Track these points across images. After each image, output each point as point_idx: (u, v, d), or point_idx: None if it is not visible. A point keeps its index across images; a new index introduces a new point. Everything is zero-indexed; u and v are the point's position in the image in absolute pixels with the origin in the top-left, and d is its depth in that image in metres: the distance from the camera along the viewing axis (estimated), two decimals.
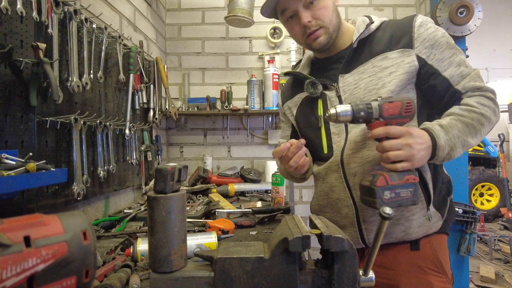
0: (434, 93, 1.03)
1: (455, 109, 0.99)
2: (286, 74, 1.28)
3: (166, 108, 2.47)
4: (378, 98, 0.90)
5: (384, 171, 0.89)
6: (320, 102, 1.14)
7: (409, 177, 0.89)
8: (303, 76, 1.16)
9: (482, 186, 5.58)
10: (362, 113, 0.89)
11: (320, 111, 1.14)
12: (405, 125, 0.92)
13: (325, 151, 1.13)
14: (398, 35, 1.05)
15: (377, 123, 0.90)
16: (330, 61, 1.15)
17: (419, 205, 1.01)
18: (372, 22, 1.10)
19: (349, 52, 1.09)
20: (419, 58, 1.02)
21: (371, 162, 1.04)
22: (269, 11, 1.12)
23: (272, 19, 2.83)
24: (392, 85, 1.01)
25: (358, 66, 1.08)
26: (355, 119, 0.90)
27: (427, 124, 0.96)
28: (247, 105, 2.70)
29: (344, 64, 1.10)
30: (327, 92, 1.13)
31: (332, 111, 0.90)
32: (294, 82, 1.26)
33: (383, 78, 1.03)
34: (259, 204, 1.86)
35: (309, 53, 1.25)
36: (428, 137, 0.92)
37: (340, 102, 1.08)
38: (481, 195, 5.61)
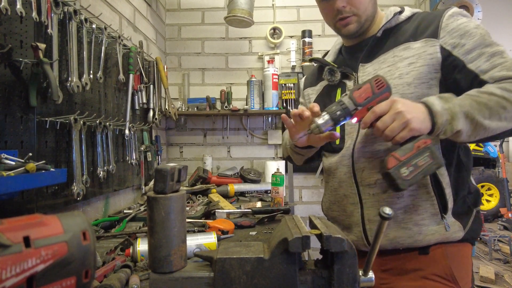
0: (458, 90, 0.91)
1: (469, 91, 0.88)
2: (311, 60, 1.23)
3: (166, 109, 2.47)
4: (348, 92, 0.90)
5: (393, 151, 0.85)
6: (339, 91, 1.11)
7: (418, 143, 0.84)
8: (327, 63, 1.13)
9: (482, 186, 5.58)
10: (338, 113, 0.89)
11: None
12: None
13: (337, 141, 1.09)
14: (425, 25, 0.98)
15: (359, 113, 0.89)
16: (354, 49, 1.11)
17: (431, 210, 0.94)
18: (401, 12, 1.04)
19: (371, 41, 1.05)
20: (443, 50, 0.94)
21: (381, 157, 0.97)
22: None
23: (272, 19, 2.85)
24: (410, 77, 0.95)
25: (380, 55, 1.03)
26: (337, 122, 0.90)
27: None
28: (246, 105, 2.70)
29: (366, 53, 1.06)
30: (346, 81, 1.10)
31: (313, 125, 0.90)
32: (319, 69, 1.22)
33: (401, 68, 0.97)
34: (258, 204, 1.86)
35: (338, 41, 1.21)
36: (420, 104, 0.86)
37: None
38: (481, 195, 5.61)
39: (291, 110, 2.75)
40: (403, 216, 0.96)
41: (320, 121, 0.89)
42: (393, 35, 1.03)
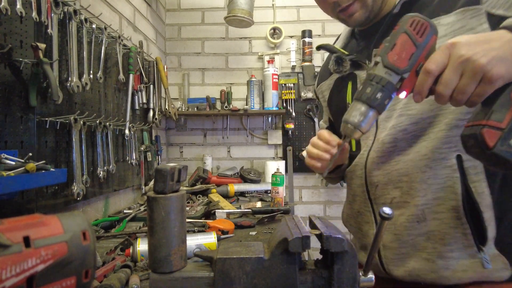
0: None
1: None
2: (318, 48, 0.98)
3: (166, 109, 2.47)
4: (378, 59, 0.61)
5: (479, 118, 0.55)
6: (349, 86, 0.91)
7: None
8: (335, 50, 0.92)
9: None
10: (379, 95, 0.59)
11: (349, 97, 0.92)
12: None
13: (353, 148, 0.92)
14: None
15: (407, 82, 0.60)
16: (369, 31, 0.90)
17: (462, 240, 0.72)
18: None
19: (387, 20, 0.83)
20: (491, 18, 0.68)
21: (399, 170, 0.78)
22: None
23: (272, 19, 2.85)
24: None
25: None
26: (381, 109, 0.61)
27: None
28: (246, 105, 2.70)
29: (380, 36, 0.83)
30: (358, 72, 0.89)
31: (348, 128, 0.62)
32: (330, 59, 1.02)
33: None
34: (258, 204, 1.86)
35: None
36: (499, 32, 0.57)
37: None
38: None
39: (291, 111, 2.77)
40: (425, 244, 0.76)
41: (355, 117, 0.61)
42: (415, 10, 0.80)
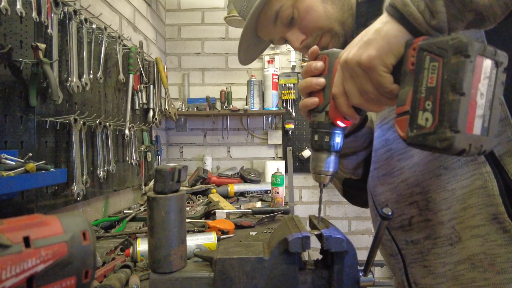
0: None
1: None
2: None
3: (166, 109, 2.47)
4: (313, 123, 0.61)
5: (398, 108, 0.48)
6: None
7: (408, 62, 0.46)
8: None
9: None
10: (316, 137, 0.60)
11: None
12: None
13: None
14: None
15: (333, 113, 0.58)
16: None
17: None
18: None
19: (359, 7, 0.71)
20: None
21: (406, 181, 0.62)
22: (252, 55, 0.89)
23: None
24: None
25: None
26: (327, 147, 0.60)
27: None
28: (246, 105, 2.70)
29: (360, 24, 0.69)
30: None
31: (317, 176, 0.61)
32: None
33: None
34: (258, 204, 1.86)
35: None
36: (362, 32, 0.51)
37: None
38: None
39: (291, 111, 2.77)
40: (471, 275, 0.55)
41: (318, 166, 0.61)
42: None
